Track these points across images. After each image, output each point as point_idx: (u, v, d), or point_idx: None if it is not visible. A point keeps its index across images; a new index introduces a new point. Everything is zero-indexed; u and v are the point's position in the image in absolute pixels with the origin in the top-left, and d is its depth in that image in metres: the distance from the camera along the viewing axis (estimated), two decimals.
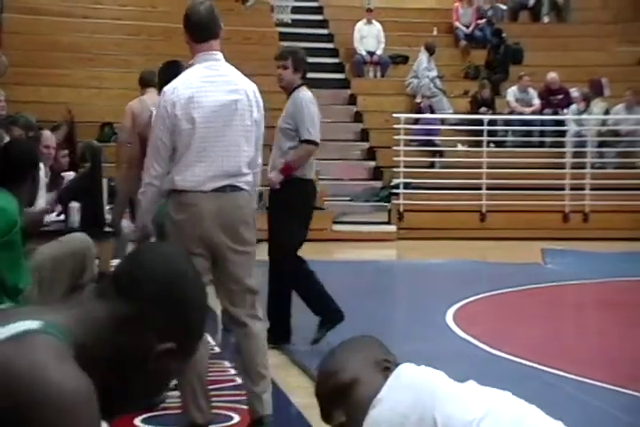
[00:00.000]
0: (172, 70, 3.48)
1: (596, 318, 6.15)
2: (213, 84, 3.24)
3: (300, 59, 4.81)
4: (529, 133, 11.90)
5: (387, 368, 1.59)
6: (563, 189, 11.14)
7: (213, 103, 3.21)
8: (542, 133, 11.91)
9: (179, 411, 3.46)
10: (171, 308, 1.16)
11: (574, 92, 12.27)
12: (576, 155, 11.46)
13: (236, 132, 3.24)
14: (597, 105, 12.02)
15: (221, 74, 3.28)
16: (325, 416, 1.59)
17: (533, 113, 12.05)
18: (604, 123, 11.92)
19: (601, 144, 11.72)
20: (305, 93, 4.77)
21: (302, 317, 5.09)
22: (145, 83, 5.99)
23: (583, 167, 11.30)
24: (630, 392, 4.03)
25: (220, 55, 3.30)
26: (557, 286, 7.24)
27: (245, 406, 3.59)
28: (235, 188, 3.25)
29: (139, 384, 1.17)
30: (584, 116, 11.78)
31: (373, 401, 1.52)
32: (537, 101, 12.18)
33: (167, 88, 3.25)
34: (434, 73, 12.63)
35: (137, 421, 3.56)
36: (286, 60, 4.76)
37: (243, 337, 3.33)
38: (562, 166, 11.32)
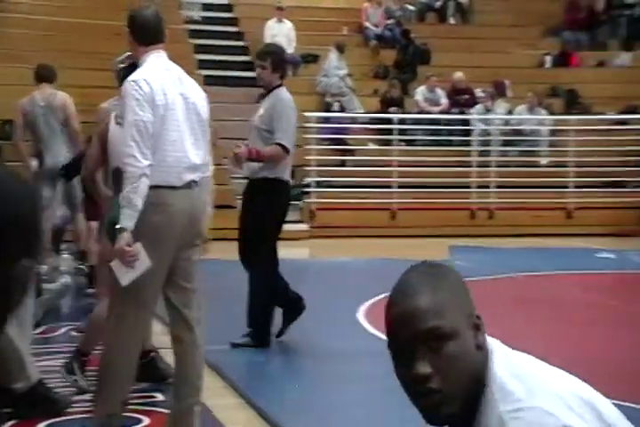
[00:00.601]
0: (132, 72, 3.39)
1: (501, 312, 6.32)
2: (171, 77, 3.24)
3: (279, 59, 4.91)
4: (437, 132, 12.14)
5: (477, 326, 1.40)
6: (469, 187, 11.42)
7: (177, 95, 3.20)
8: (450, 133, 12.18)
9: (84, 415, 3.38)
10: (13, 227, 1.11)
11: (479, 93, 12.59)
12: (481, 153, 11.77)
13: (196, 124, 3.24)
14: (500, 105, 12.37)
15: (175, 68, 3.30)
16: (407, 362, 1.37)
17: (441, 112, 12.30)
18: (507, 123, 12.27)
19: (505, 143, 12.07)
20: (284, 96, 4.84)
21: (213, 315, 5.04)
22: (40, 77, 5.85)
23: (488, 166, 11.62)
24: None
25: (165, 54, 3.32)
26: (465, 281, 7.41)
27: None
28: (196, 183, 3.23)
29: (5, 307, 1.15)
30: (489, 116, 12.11)
31: (514, 404, 1.29)
32: (444, 101, 12.44)
33: (137, 77, 3.16)
34: (344, 72, 12.73)
35: None
36: (265, 61, 4.85)
37: (190, 345, 3.23)
38: (468, 165, 11.60)
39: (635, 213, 11.46)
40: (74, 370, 3.90)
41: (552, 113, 12.42)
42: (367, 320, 5.66)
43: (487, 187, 11.44)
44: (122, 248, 2.95)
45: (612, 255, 9.14)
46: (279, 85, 4.87)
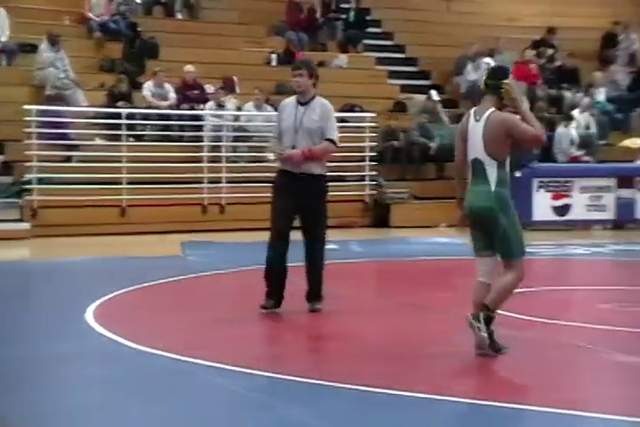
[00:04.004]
0: None
1: (235, 305, 6.40)
2: None
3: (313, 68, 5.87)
4: (168, 128, 12.02)
5: None
6: (201, 182, 11.45)
7: None
8: (180, 128, 12.11)
9: None
10: None
11: (209, 88, 12.66)
12: (213, 149, 11.85)
13: None
14: (230, 102, 12.54)
15: None
16: None
17: (171, 107, 12.18)
18: (237, 119, 12.46)
19: (235, 139, 12.25)
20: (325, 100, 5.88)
21: None
22: None
23: (219, 161, 11.73)
24: (258, 372, 4.27)
25: None
26: (198, 277, 7.41)
27: None
28: None
29: None
30: (220, 112, 12.21)
31: None
32: (173, 96, 12.34)
33: None
34: (62, 64, 12.13)
35: None
36: (301, 70, 5.77)
37: None
38: (200, 160, 11.63)
39: (355, 205, 12.20)
40: (479, 319, 4.48)
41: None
42: (98, 322, 5.44)
43: (218, 182, 11.55)
44: None
45: (335, 246, 9.63)
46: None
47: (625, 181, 11.87)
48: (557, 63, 14.99)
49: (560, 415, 3.66)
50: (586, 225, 12.05)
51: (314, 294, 5.88)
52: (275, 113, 12.43)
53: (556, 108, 14.05)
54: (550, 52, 15.13)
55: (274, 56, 14.25)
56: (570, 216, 11.79)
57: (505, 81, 4.62)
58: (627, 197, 11.82)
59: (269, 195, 12.51)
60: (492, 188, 4.55)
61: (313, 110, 5.76)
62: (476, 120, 4.62)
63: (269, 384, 4.14)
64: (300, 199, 5.75)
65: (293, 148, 5.74)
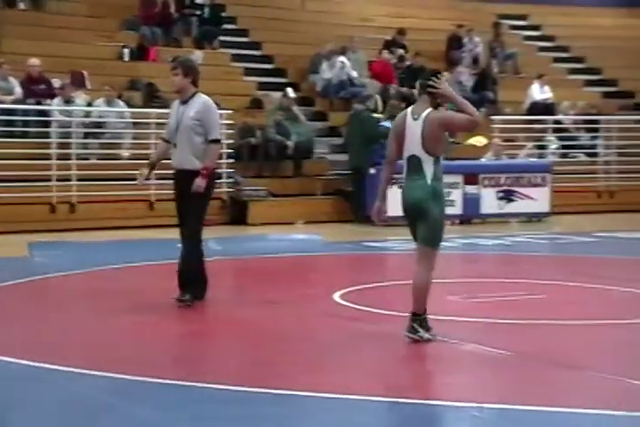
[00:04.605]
0: None
1: (81, 307, 6.18)
2: None
3: (188, 66, 5.95)
4: (11, 123, 11.43)
5: None
6: (49, 180, 10.98)
7: None
8: (26, 124, 11.55)
9: None
10: None
11: (56, 83, 12.16)
12: (61, 146, 11.38)
13: None
14: (80, 97, 12.09)
15: None
16: None
17: (15, 102, 11.60)
18: (87, 115, 12.03)
19: (86, 136, 11.83)
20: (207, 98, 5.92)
21: None
22: None
23: (69, 158, 11.28)
24: (109, 374, 4.13)
25: None
26: (45, 278, 7.10)
27: None
28: None
29: None
30: (69, 107, 11.75)
31: None
32: (18, 90, 11.77)
33: None
34: None
35: None
36: (176, 69, 5.88)
37: None
38: (48, 157, 11.15)
39: (212, 202, 11.98)
40: (416, 329, 4.77)
41: (131, 106, 12.48)
42: None
43: (68, 180, 11.11)
44: None
45: None
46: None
47: (471, 177, 12.38)
48: (407, 63, 15.45)
49: (408, 404, 3.75)
50: None
51: (185, 286, 5.92)
52: (127, 109, 12.27)
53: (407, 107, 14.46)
54: (401, 51, 15.57)
55: (126, 51, 13.86)
56: None
57: (432, 77, 4.83)
58: (472, 193, 12.35)
59: (123, 193, 12.18)
60: (429, 182, 4.81)
61: (191, 108, 5.88)
62: (414, 119, 4.85)
63: (121, 386, 4.00)
64: (184, 195, 5.90)
65: (175, 146, 5.95)
